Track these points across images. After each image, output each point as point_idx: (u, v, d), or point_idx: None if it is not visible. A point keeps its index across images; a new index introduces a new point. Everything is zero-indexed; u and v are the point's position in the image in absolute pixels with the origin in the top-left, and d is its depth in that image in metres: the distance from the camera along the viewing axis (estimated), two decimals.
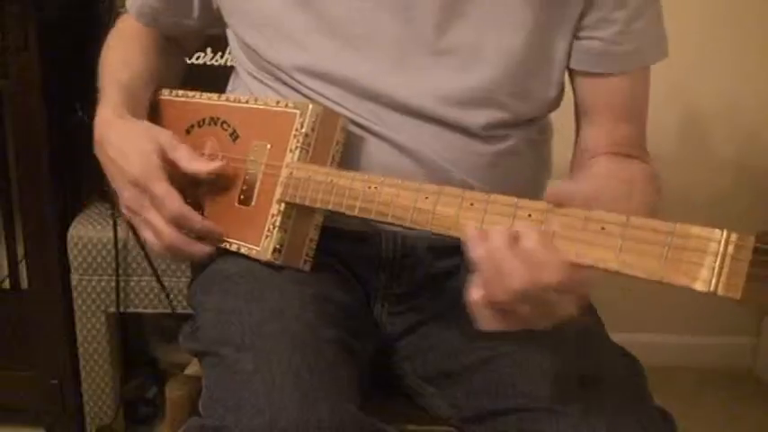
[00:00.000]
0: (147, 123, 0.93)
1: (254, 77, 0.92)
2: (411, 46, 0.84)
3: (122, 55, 1.00)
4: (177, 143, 0.88)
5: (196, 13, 0.97)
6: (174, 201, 0.83)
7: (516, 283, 0.62)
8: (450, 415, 0.86)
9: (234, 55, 0.96)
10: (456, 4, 0.84)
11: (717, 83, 1.83)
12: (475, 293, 0.65)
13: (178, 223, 0.84)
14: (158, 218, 0.84)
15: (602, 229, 0.59)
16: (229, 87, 1.00)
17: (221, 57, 1.38)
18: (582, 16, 0.86)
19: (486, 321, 0.66)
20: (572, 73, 0.92)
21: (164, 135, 0.89)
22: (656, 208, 0.85)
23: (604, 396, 0.73)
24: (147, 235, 0.87)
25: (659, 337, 1.92)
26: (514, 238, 0.63)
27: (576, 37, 0.88)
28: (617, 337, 0.83)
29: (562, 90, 0.92)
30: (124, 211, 0.89)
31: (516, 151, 0.90)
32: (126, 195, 0.87)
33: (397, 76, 0.85)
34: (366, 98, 0.86)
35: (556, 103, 0.93)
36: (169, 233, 0.84)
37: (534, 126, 0.93)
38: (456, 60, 0.85)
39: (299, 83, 0.87)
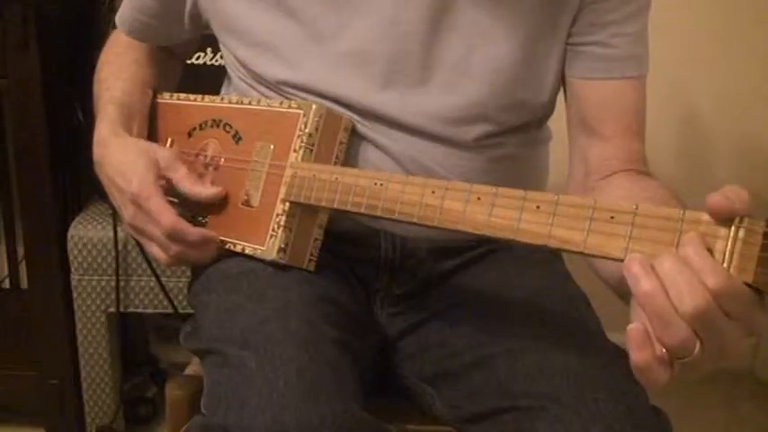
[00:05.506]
0: (142, 141, 0.93)
1: (248, 84, 0.92)
2: (400, 62, 0.84)
3: (115, 69, 1.00)
4: (177, 164, 0.89)
5: (187, 25, 0.98)
6: (167, 216, 0.84)
7: (692, 301, 0.53)
8: (450, 415, 0.86)
9: (226, 62, 0.97)
10: (444, 18, 0.83)
11: (713, 84, 1.82)
12: (641, 351, 0.56)
13: (173, 237, 0.85)
14: (159, 232, 0.85)
15: (612, 218, 0.58)
16: (223, 92, 1.01)
17: (221, 57, 1.38)
18: (574, 21, 0.85)
19: (661, 376, 0.57)
20: (572, 84, 0.89)
21: (162, 153, 0.90)
22: None
23: (600, 395, 0.73)
24: (154, 250, 0.88)
25: None
26: (679, 258, 0.54)
27: (568, 43, 0.87)
28: (616, 337, 0.83)
29: (555, 95, 0.91)
30: (128, 229, 0.90)
31: (511, 156, 0.90)
32: (127, 214, 0.88)
33: (387, 94, 0.85)
34: (358, 113, 0.86)
35: (550, 109, 0.92)
36: (173, 245, 0.86)
37: (529, 130, 0.92)
38: (445, 76, 0.85)
39: (292, 95, 0.88)
